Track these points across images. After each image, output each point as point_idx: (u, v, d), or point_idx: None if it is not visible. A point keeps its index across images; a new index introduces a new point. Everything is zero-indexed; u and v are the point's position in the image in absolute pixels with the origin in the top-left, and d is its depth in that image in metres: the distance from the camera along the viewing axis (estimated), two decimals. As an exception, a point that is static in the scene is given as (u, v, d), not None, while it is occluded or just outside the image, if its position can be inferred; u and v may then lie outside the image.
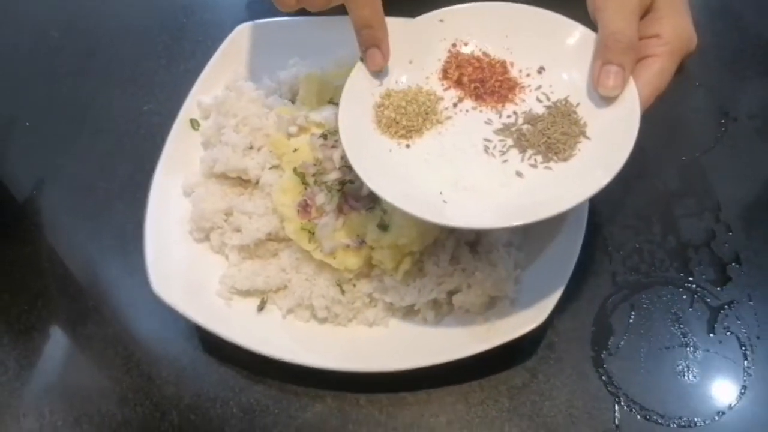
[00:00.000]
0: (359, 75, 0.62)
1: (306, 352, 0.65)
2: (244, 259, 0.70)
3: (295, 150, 0.71)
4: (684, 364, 0.66)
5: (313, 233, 0.67)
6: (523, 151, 0.59)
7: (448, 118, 0.62)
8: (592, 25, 0.59)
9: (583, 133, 0.59)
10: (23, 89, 0.91)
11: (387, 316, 0.67)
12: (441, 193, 0.58)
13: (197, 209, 0.71)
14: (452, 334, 0.65)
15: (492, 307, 0.65)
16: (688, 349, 0.66)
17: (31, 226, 0.79)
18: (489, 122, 0.62)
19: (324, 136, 0.70)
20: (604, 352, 0.67)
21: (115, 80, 0.90)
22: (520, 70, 0.63)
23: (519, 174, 0.58)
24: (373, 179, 0.56)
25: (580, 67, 0.60)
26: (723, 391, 0.64)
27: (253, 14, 0.89)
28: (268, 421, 0.65)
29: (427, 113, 0.62)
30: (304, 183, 0.69)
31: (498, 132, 0.61)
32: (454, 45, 0.65)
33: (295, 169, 0.69)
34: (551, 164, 0.58)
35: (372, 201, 0.66)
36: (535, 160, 0.59)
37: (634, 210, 0.75)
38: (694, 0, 0.60)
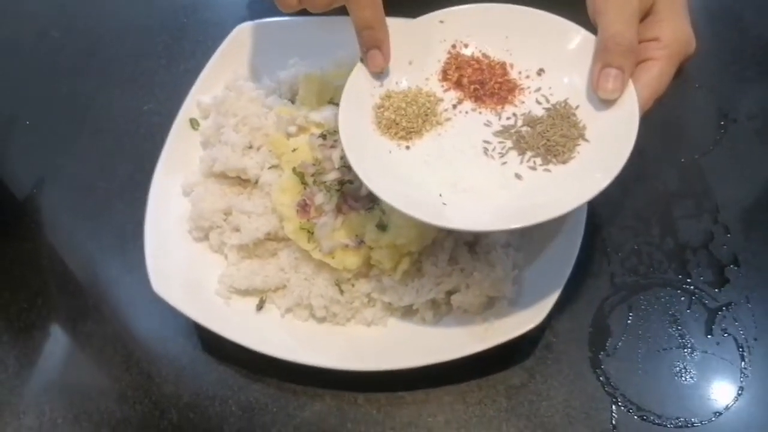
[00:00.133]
0: (359, 76, 0.62)
1: (305, 351, 0.65)
2: (243, 258, 0.70)
3: (294, 150, 0.71)
4: (681, 365, 0.66)
5: (312, 233, 0.67)
6: (522, 153, 0.59)
7: (448, 119, 0.62)
8: (591, 27, 0.59)
9: (582, 136, 0.59)
10: (24, 88, 0.91)
11: (385, 315, 0.67)
12: (440, 195, 0.58)
13: (196, 208, 0.71)
14: (450, 334, 0.65)
15: (490, 307, 0.65)
16: (685, 350, 0.67)
17: (32, 225, 0.79)
18: (488, 124, 0.62)
19: (323, 136, 0.70)
20: (602, 352, 0.67)
21: (115, 80, 0.90)
22: (520, 72, 0.64)
23: (518, 176, 0.58)
24: (373, 180, 0.56)
25: (579, 70, 0.60)
26: (720, 392, 0.64)
27: (253, 14, 0.90)
28: (267, 419, 0.65)
29: (426, 115, 0.62)
30: (303, 183, 0.69)
31: (497, 134, 0.61)
32: (454, 46, 0.65)
33: (294, 169, 0.69)
34: (550, 167, 0.58)
35: (371, 201, 0.67)
36: (534, 162, 0.59)
37: (633, 211, 0.75)
38: (693, 1, 0.60)
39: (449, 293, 0.66)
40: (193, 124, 0.76)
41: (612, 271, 0.71)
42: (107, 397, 0.67)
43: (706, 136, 0.80)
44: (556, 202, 0.54)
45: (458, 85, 0.64)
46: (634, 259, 0.72)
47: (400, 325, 0.67)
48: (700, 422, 0.63)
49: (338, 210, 0.67)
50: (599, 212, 0.74)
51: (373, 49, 0.61)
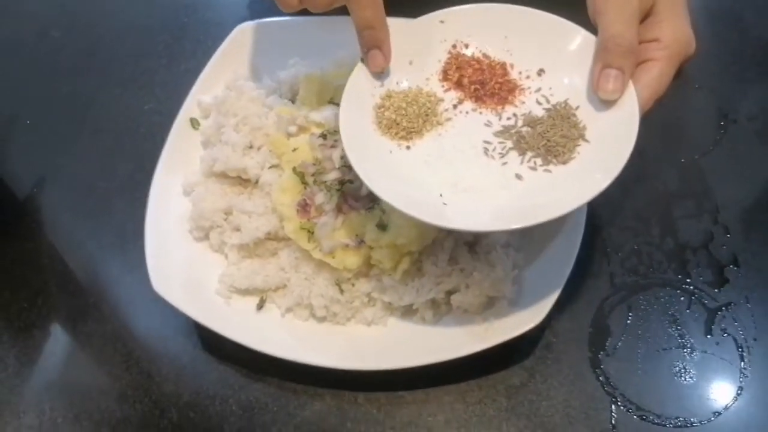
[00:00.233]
0: (360, 76, 0.62)
1: (305, 350, 0.65)
2: (243, 258, 0.70)
3: (294, 149, 0.71)
4: (681, 365, 0.66)
5: (313, 233, 0.67)
6: (522, 153, 0.60)
7: (448, 119, 0.62)
8: (591, 27, 0.59)
9: (582, 136, 0.59)
10: (24, 88, 0.91)
11: (385, 315, 0.67)
12: (441, 195, 0.58)
13: (197, 208, 0.71)
14: (450, 334, 0.65)
15: (490, 307, 0.66)
16: (685, 350, 0.67)
17: (32, 224, 0.79)
18: (489, 124, 0.62)
19: (323, 136, 0.70)
20: (602, 352, 0.67)
21: (115, 79, 0.90)
22: (520, 72, 0.64)
23: (518, 176, 0.58)
24: (374, 181, 0.56)
25: (579, 71, 0.60)
26: (719, 392, 0.64)
27: (253, 14, 0.90)
28: (267, 418, 0.65)
29: (427, 115, 0.62)
30: (304, 182, 0.69)
31: (498, 134, 0.61)
32: (454, 46, 0.65)
33: (294, 169, 0.70)
34: (551, 167, 0.58)
35: (371, 201, 0.67)
36: (535, 162, 0.59)
37: (633, 211, 0.75)
38: (693, 2, 0.60)
39: (449, 293, 0.66)
40: (194, 123, 0.76)
41: (612, 271, 0.71)
42: (107, 396, 0.67)
43: (706, 136, 0.80)
44: (556, 203, 0.54)
45: (459, 85, 0.64)
46: (634, 259, 0.72)
47: (400, 325, 0.67)
48: (700, 422, 0.63)
49: (338, 210, 0.67)
50: (599, 212, 0.74)
51: (373, 49, 0.61)
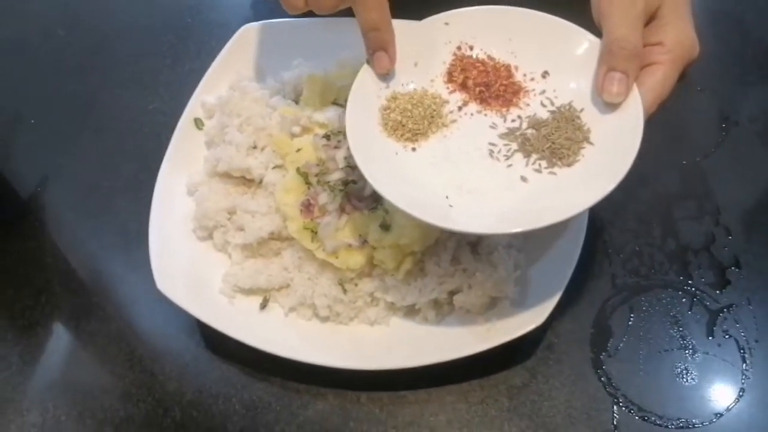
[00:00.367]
0: (365, 77, 0.62)
1: (308, 350, 0.65)
2: (246, 257, 0.70)
3: (298, 150, 0.71)
4: (682, 367, 0.66)
5: (316, 232, 0.67)
6: (527, 155, 0.60)
7: (453, 121, 0.63)
8: (595, 30, 0.59)
9: (586, 139, 0.59)
10: (28, 87, 0.91)
11: (388, 315, 0.68)
12: (447, 197, 0.58)
13: (201, 208, 0.71)
14: (453, 334, 0.66)
15: (492, 307, 0.66)
16: (686, 351, 0.67)
17: (35, 223, 0.79)
18: (494, 126, 0.62)
19: (327, 137, 0.70)
20: (603, 353, 0.67)
21: (119, 79, 0.90)
22: (525, 75, 0.64)
23: (523, 179, 0.59)
24: (381, 182, 0.56)
25: (584, 73, 0.60)
26: (721, 393, 0.65)
27: (257, 15, 0.90)
28: (270, 418, 0.66)
29: (432, 116, 0.62)
30: (307, 183, 0.69)
31: (503, 136, 0.61)
32: (459, 48, 0.65)
33: (298, 169, 0.70)
34: (555, 169, 0.59)
35: (374, 201, 0.67)
36: (540, 165, 0.59)
37: (635, 213, 0.75)
38: (695, 4, 0.61)
39: (452, 293, 0.66)
40: (198, 123, 0.77)
41: (613, 273, 0.72)
42: (111, 394, 0.68)
43: (707, 138, 0.81)
44: (561, 206, 0.54)
45: (463, 87, 0.64)
46: (636, 261, 0.72)
47: (403, 325, 0.67)
48: (701, 423, 0.63)
49: (342, 210, 0.67)
50: (601, 214, 0.74)
51: (379, 51, 0.61)
